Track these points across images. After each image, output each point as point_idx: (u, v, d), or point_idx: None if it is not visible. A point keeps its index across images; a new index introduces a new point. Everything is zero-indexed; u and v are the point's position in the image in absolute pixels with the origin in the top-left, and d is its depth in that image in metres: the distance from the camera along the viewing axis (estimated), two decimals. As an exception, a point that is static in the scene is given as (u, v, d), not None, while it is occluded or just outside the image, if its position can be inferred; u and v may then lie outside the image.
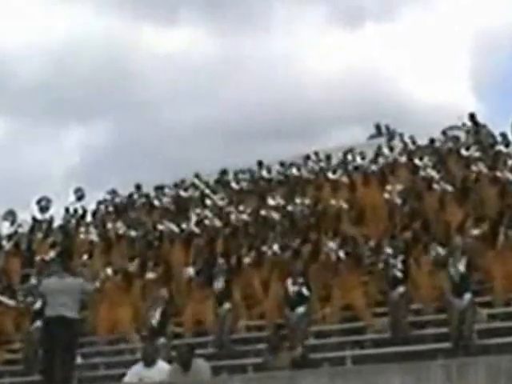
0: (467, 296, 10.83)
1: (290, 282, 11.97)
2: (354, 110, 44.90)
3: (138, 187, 21.37)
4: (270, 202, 17.17)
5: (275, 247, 13.66)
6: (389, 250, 12.16)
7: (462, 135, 19.22)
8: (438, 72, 54.92)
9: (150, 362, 8.55)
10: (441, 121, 23.61)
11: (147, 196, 20.90)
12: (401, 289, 11.53)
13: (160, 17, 58.34)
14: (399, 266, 11.72)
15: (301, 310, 11.78)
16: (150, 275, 13.95)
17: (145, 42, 51.04)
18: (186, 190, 20.41)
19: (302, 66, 50.12)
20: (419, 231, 13.08)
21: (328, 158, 19.93)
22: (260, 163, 21.14)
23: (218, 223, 16.50)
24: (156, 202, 20.17)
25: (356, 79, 49.44)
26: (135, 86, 50.38)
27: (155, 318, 11.94)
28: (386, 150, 19.33)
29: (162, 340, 11.52)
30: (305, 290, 11.88)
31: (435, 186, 15.32)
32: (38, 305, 12.69)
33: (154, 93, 48.14)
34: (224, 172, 21.39)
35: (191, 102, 50.50)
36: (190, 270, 13.51)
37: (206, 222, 16.67)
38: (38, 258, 16.60)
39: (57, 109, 49.29)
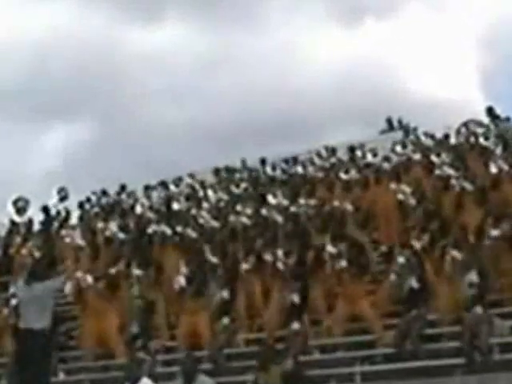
0: (478, 309, 10.65)
1: (289, 290, 11.81)
2: (356, 107, 44.78)
3: (123, 188, 21.30)
4: (271, 200, 16.99)
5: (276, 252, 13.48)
6: (402, 260, 11.96)
7: (479, 130, 19.04)
8: (445, 68, 55.01)
9: (134, 380, 8.43)
10: (448, 117, 23.62)
11: (135, 196, 20.79)
12: (414, 313, 11.32)
13: (147, 14, 58.26)
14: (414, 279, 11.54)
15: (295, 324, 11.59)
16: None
17: (131, 39, 51.26)
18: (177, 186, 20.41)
19: (301, 64, 50.08)
20: (436, 234, 12.84)
21: (333, 151, 19.83)
22: (263, 161, 21.09)
23: (215, 225, 16.35)
24: (145, 203, 20.06)
25: (358, 76, 49.30)
26: (121, 84, 50.49)
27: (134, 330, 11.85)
28: (398, 147, 19.16)
29: (143, 355, 11.37)
30: (300, 299, 11.71)
31: (453, 184, 15.07)
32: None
33: (140, 91, 48.14)
34: (220, 170, 21.27)
35: (181, 100, 50.58)
36: (182, 279, 13.26)
37: (202, 224, 16.52)
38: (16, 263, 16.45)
39: (38, 108, 49.43)
